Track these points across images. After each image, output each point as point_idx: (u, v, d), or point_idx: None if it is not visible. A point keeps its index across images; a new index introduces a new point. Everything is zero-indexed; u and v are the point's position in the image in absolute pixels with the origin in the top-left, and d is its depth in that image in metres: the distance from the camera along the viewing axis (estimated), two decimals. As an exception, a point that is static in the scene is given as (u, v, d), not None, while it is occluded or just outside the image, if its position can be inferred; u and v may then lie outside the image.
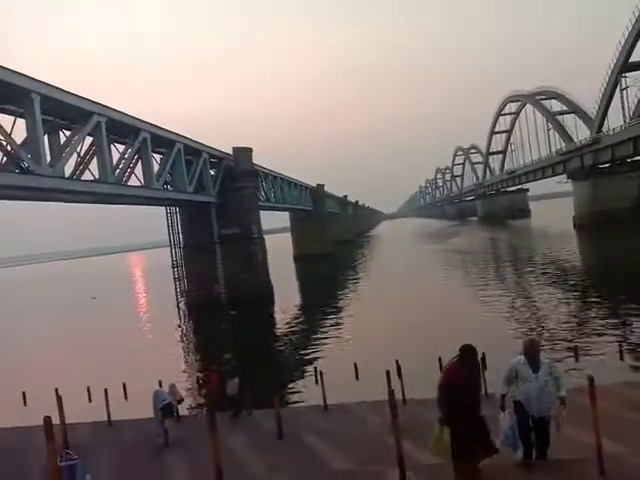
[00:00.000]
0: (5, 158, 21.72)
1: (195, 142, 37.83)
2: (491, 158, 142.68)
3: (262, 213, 46.33)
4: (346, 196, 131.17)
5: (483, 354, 12.31)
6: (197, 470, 8.76)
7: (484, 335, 20.43)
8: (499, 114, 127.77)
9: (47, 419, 8.14)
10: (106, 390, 12.96)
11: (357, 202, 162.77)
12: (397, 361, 12.64)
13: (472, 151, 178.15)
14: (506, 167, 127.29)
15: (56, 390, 12.12)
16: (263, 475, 8.48)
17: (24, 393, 15.43)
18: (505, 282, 36.52)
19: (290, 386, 17.70)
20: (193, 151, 37.62)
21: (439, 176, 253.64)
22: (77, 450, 8.89)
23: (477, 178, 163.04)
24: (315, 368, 14.32)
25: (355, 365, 13.84)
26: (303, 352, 23.48)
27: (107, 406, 12.86)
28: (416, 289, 36.59)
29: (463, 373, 6.53)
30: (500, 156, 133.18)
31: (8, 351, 31.39)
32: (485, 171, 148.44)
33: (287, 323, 31.56)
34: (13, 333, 39.64)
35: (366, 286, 43.66)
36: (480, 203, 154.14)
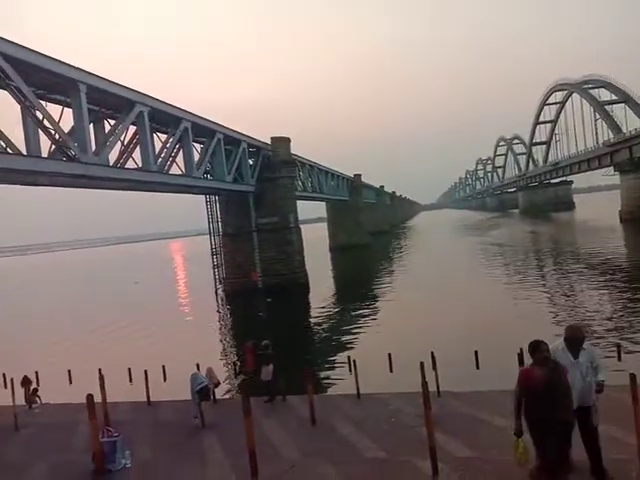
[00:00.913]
0: (53, 146, 22.52)
1: (235, 132, 38.23)
2: (534, 149, 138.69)
3: (298, 203, 46.55)
4: (383, 187, 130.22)
5: (520, 349, 12.10)
6: (232, 451, 8.96)
7: (522, 329, 19.99)
8: (544, 103, 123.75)
9: (89, 397, 8.53)
10: (146, 371, 13.37)
11: (394, 192, 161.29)
12: (432, 353, 12.52)
13: (515, 141, 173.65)
14: (550, 158, 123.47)
15: (99, 370, 12.61)
16: (296, 460, 8.60)
17: (69, 371, 16.07)
18: (546, 276, 35.56)
19: (324, 374, 17.85)
20: (232, 140, 38.04)
21: (480, 167, 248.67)
22: (118, 427, 9.25)
23: (519, 169, 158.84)
24: (349, 357, 14.34)
25: (389, 355, 13.78)
26: (337, 340, 23.59)
27: (147, 387, 13.28)
28: (453, 281, 36.08)
29: (541, 375, 5.48)
30: (544, 147, 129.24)
31: (52, 329, 32.77)
32: (528, 162, 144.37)
33: (322, 312, 31.72)
34: (59, 313, 41.32)
35: (402, 277, 43.34)
36: (522, 195, 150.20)
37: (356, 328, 25.48)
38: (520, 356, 11.99)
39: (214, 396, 12.77)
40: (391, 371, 13.62)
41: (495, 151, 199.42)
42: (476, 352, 13.73)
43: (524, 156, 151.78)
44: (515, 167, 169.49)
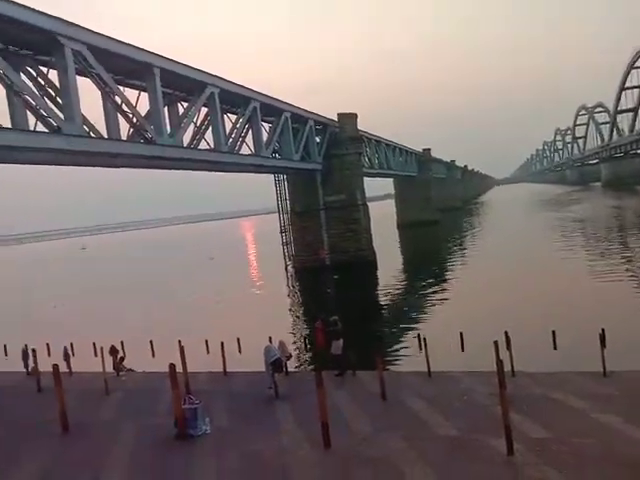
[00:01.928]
0: (131, 130, 23.65)
1: (302, 110, 38.36)
2: (620, 117, 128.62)
3: (365, 180, 46.19)
4: (454, 161, 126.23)
5: (602, 330, 11.52)
6: (304, 422, 9.23)
7: (603, 309, 19.01)
8: (631, 66, 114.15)
9: (172, 366, 9.06)
10: (222, 343, 13.97)
11: (466, 167, 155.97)
12: (506, 332, 12.18)
13: (598, 109, 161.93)
14: (638, 126, 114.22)
15: (179, 341, 13.32)
16: (369, 434, 8.72)
17: (151, 342, 17.06)
18: (632, 255, 33.31)
19: (393, 350, 17.86)
20: (299, 119, 38.21)
21: (559, 138, 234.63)
22: (197, 396, 9.76)
23: (602, 139, 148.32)
24: (419, 334, 14.24)
25: (461, 334, 13.54)
26: (406, 318, 23.48)
27: (223, 358, 13.89)
28: (529, 260, 34.64)
29: None
30: (630, 114, 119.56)
31: (138, 303, 34.92)
32: (612, 132, 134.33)
33: (390, 289, 31.61)
34: (145, 287, 43.88)
35: (474, 255, 42.19)
36: (605, 167, 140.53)
37: (426, 306, 25.22)
38: (602, 337, 11.43)
39: (286, 368, 13.15)
40: (462, 350, 13.41)
41: (575, 120, 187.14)
42: (554, 332, 13.22)
43: (608, 125, 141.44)
44: (597, 137, 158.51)
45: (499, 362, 7.22)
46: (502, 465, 6.74)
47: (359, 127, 44.67)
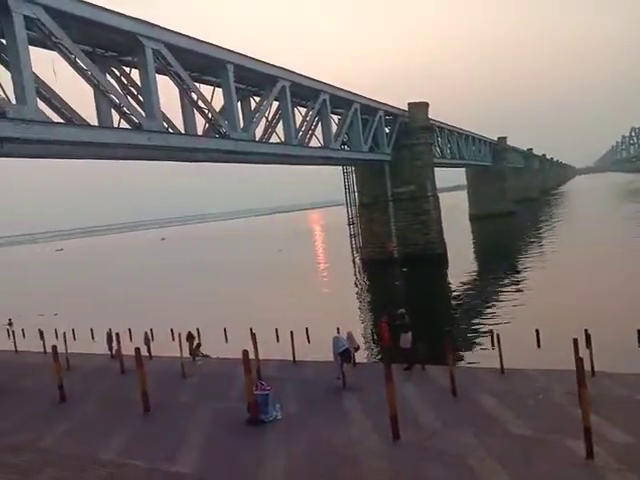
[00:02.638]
0: (207, 125, 24.48)
1: (371, 100, 38.01)
2: None
3: (437, 170, 45.11)
4: (531, 149, 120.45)
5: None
6: (372, 413, 9.26)
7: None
8: None
9: (245, 352, 9.39)
10: (292, 332, 14.28)
11: (544, 156, 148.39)
12: (586, 330, 11.58)
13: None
14: None
15: (250, 329, 13.77)
16: (438, 428, 8.62)
17: (225, 329, 17.72)
18: None
19: (464, 346, 17.46)
20: (369, 109, 37.90)
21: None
22: (267, 382, 10.06)
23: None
24: (491, 330, 13.84)
25: (537, 331, 13.01)
26: (478, 313, 22.83)
27: (292, 347, 14.20)
28: (612, 254, 32.56)
29: None
30: None
31: (210, 292, 36.32)
32: None
33: (461, 283, 30.82)
34: (218, 278, 45.57)
35: (551, 249, 40.21)
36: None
37: (499, 301, 24.40)
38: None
39: (354, 359, 13.22)
40: (538, 347, 12.90)
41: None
42: (639, 330, 12.44)
43: None
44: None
45: (578, 360, 6.89)
46: (581, 468, 6.45)
47: (430, 116, 43.65)
